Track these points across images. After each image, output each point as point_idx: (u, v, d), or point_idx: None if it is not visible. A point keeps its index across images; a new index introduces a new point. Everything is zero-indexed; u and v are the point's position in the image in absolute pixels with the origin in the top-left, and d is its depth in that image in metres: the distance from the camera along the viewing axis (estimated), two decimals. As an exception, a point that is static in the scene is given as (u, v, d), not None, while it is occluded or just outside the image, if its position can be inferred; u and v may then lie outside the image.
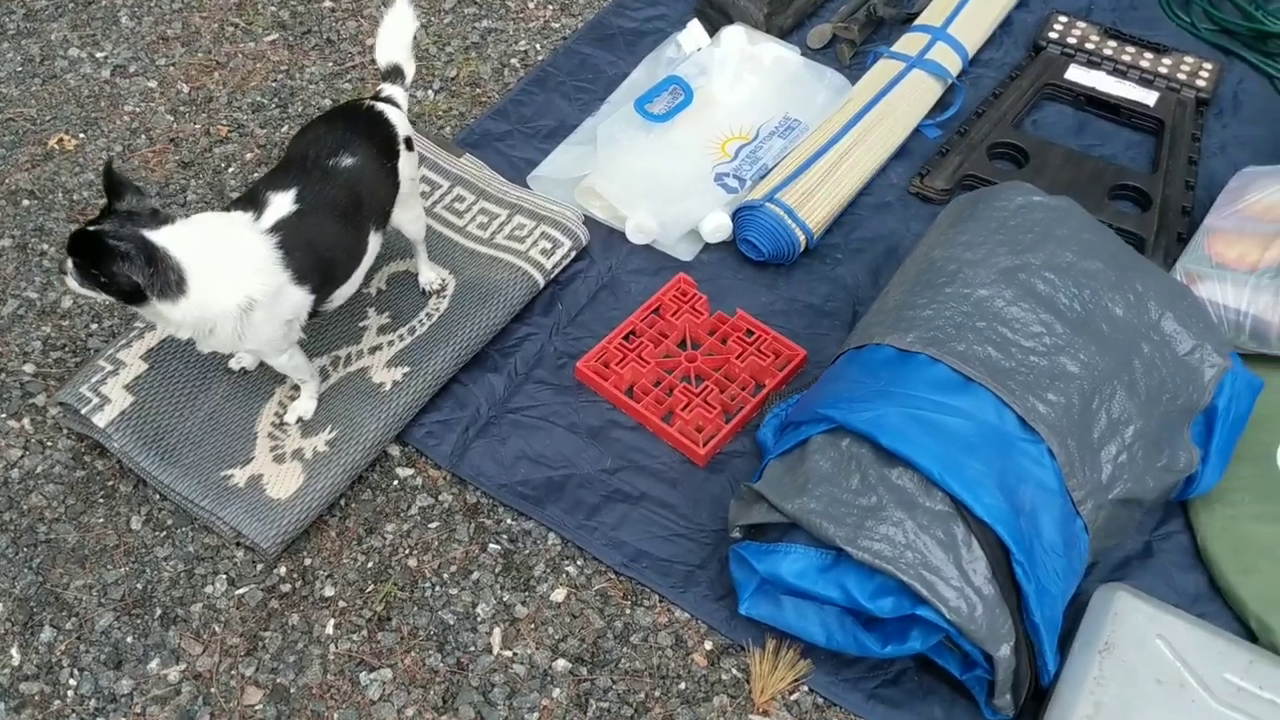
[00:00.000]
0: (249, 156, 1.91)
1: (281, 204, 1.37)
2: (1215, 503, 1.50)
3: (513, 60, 2.10)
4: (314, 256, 1.38)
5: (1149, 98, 2.00)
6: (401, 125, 1.51)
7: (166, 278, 1.27)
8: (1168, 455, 1.41)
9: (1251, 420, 1.55)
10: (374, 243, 1.48)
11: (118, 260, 1.24)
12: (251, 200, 1.38)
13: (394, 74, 1.58)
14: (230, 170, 1.89)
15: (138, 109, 1.98)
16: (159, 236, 1.29)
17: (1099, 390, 1.37)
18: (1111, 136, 2.00)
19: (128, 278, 1.25)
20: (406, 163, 1.51)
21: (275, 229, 1.35)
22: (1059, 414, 1.33)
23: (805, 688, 1.38)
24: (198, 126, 1.96)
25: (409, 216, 1.57)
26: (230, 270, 1.33)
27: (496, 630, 1.42)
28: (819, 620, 1.34)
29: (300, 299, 1.38)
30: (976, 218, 1.55)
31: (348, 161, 1.42)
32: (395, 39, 1.57)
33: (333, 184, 1.41)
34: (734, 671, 1.39)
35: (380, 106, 1.51)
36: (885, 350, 1.40)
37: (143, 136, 1.94)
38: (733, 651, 1.41)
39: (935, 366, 1.36)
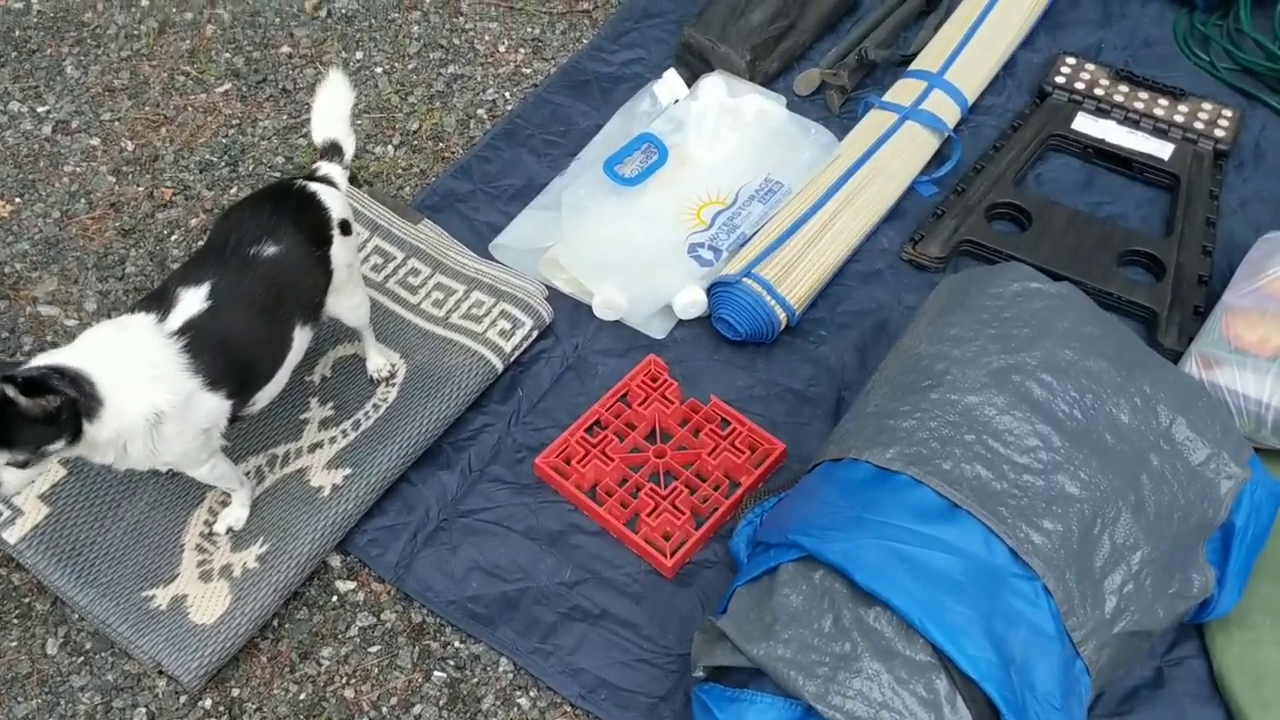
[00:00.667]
0: (194, 222, 1.78)
1: (192, 301, 1.24)
2: (1232, 625, 1.36)
3: (479, 111, 1.96)
4: (228, 358, 1.25)
5: (1163, 150, 1.85)
6: (337, 208, 1.38)
7: (87, 395, 1.15)
8: (1180, 581, 1.27)
9: (1275, 530, 1.41)
10: (301, 338, 1.35)
11: (51, 381, 1.11)
12: (158, 298, 1.25)
13: (331, 151, 1.45)
14: (173, 238, 1.77)
15: (78, 169, 1.86)
16: (59, 359, 1.16)
17: (1101, 513, 1.23)
18: (1122, 193, 1.85)
19: (66, 396, 1.12)
20: (342, 249, 1.38)
21: (183, 330, 1.23)
22: (1056, 544, 1.20)
23: (777, 840, 1.25)
24: (141, 189, 1.83)
25: (348, 305, 1.44)
26: (134, 381, 1.20)
27: (438, 772, 1.30)
28: (790, 773, 1.21)
29: (215, 406, 1.26)
30: (967, 306, 1.41)
31: (270, 250, 1.30)
32: (331, 112, 1.45)
33: (252, 276, 1.28)
34: (698, 821, 1.26)
35: (313, 188, 1.38)
36: (863, 468, 1.27)
37: (82, 200, 1.81)
38: (697, 797, 1.28)
39: (918, 490, 1.22)
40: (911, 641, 1.15)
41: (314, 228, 1.35)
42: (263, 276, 1.29)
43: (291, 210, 1.34)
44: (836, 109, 1.93)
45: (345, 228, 1.38)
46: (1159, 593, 1.25)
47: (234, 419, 1.30)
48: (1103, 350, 1.34)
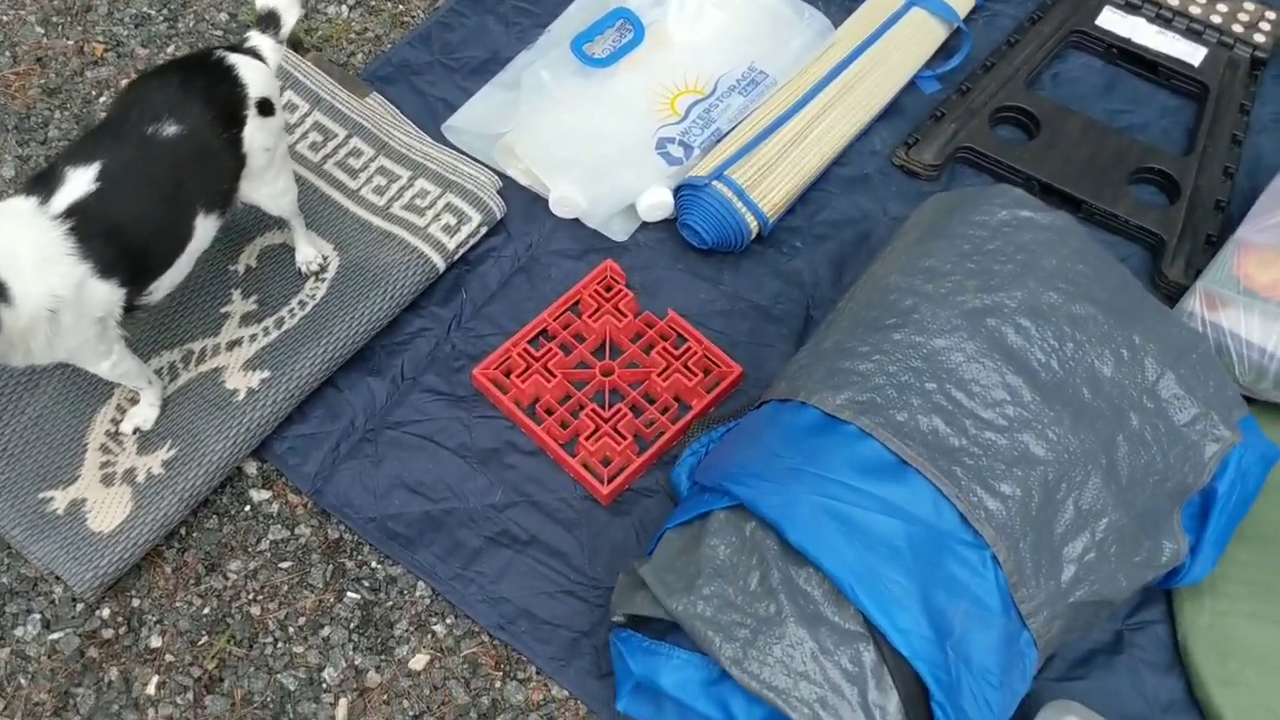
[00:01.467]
0: (124, 83, 1.64)
1: (79, 182, 1.12)
2: (1204, 593, 1.26)
3: (446, -30, 1.79)
4: (119, 244, 1.14)
5: (1195, 55, 1.66)
6: (257, 85, 1.24)
7: None
8: (1148, 549, 1.17)
9: (1264, 492, 1.30)
10: (206, 227, 1.23)
11: None
12: (45, 179, 1.13)
13: (268, 20, 1.31)
14: (102, 100, 1.63)
15: (4, 17, 1.71)
16: None
17: (1068, 476, 1.12)
18: (1146, 100, 1.68)
19: None
20: (260, 131, 1.24)
21: (69, 214, 1.11)
22: (1013, 510, 1.09)
23: (692, 794, 1.18)
24: (70, 42, 1.69)
25: (269, 193, 1.31)
26: (24, 267, 1.09)
27: (343, 702, 1.23)
28: (705, 731, 1.14)
29: (107, 294, 1.15)
30: (948, 234, 1.27)
31: (172, 130, 1.17)
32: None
33: (149, 157, 1.16)
34: (611, 768, 1.20)
35: (232, 60, 1.24)
36: (810, 413, 1.15)
37: (6, 54, 1.67)
38: (613, 743, 1.22)
39: (866, 442, 1.11)
40: (841, 608, 1.05)
41: (226, 106, 1.21)
42: (161, 158, 1.16)
43: (202, 85, 1.21)
44: (839, -13, 1.75)
45: (265, 108, 1.25)
46: (1124, 561, 1.15)
47: (131, 308, 1.19)
48: (1093, 293, 1.21)
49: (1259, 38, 1.68)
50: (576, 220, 1.53)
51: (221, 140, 1.20)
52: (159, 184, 1.16)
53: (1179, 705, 1.24)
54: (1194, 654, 1.24)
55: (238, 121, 1.22)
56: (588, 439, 1.34)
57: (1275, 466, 1.28)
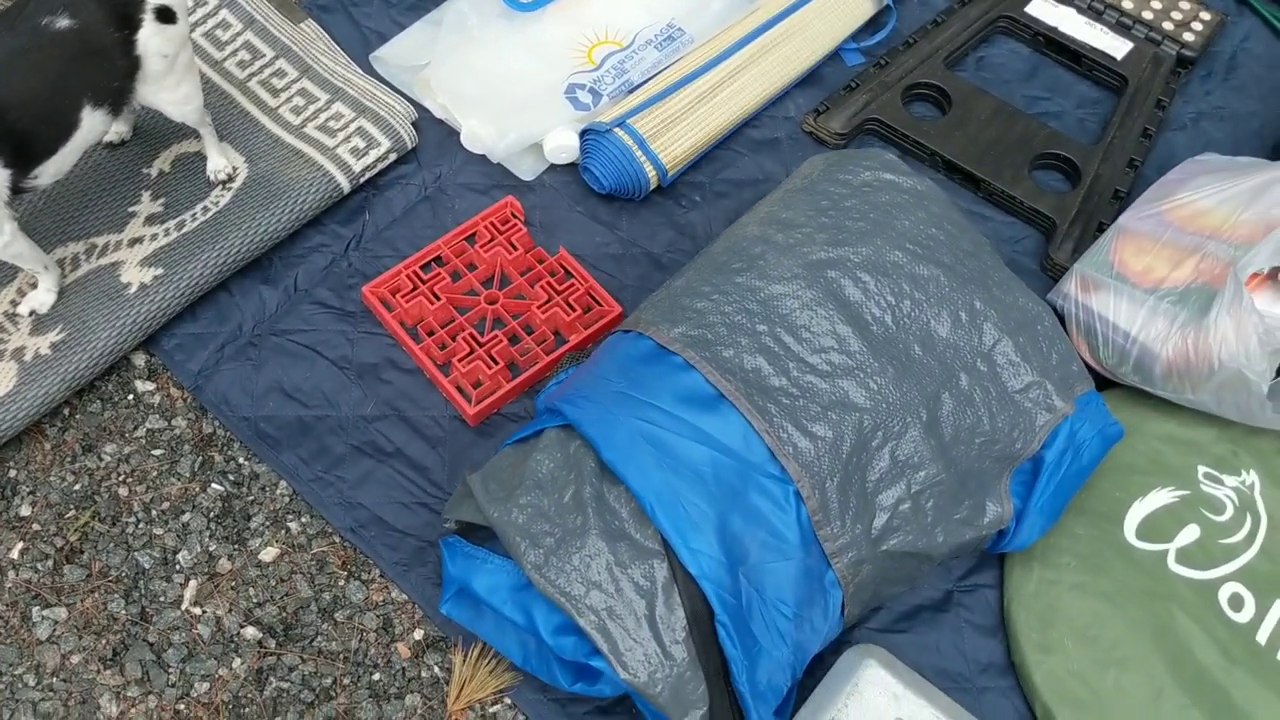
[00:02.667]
0: None
1: None
2: (1035, 561, 1.29)
3: (402, -89, 1.84)
4: (3, 127, 1.20)
5: (1119, 48, 1.68)
6: (158, -10, 1.30)
7: None
8: (969, 508, 1.20)
9: (1108, 470, 1.33)
10: (94, 121, 1.28)
11: None
12: None
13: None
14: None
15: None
16: None
17: (885, 426, 1.15)
18: (1066, 89, 1.70)
19: None
20: (156, 37, 1.29)
21: None
22: (822, 451, 1.12)
23: (507, 700, 1.23)
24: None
25: (169, 99, 1.37)
26: None
27: (192, 583, 1.29)
28: (517, 638, 1.18)
29: None
30: (812, 190, 1.30)
31: (64, 23, 1.22)
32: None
33: (38, 46, 1.21)
34: (436, 670, 1.25)
35: (131, -35, 1.29)
36: (645, 343, 1.19)
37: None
38: (442, 647, 1.26)
39: (689, 374, 1.15)
40: (644, 527, 1.10)
41: (120, 8, 1.26)
42: (50, 49, 1.22)
43: (96, -15, 1.26)
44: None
45: (165, 15, 1.30)
46: (942, 516, 1.18)
47: (18, 190, 1.25)
48: (939, 257, 1.24)
49: (1188, 36, 1.69)
50: (487, 158, 1.57)
51: (112, 39, 1.26)
52: (46, 73, 1.22)
53: (997, 667, 1.27)
54: (1016, 619, 1.27)
55: (131, 24, 1.27)
56: (461, 361, 1.39)
57: (1118, 445, 1.32)
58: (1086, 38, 1.69)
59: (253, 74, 1.59)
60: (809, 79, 1.67)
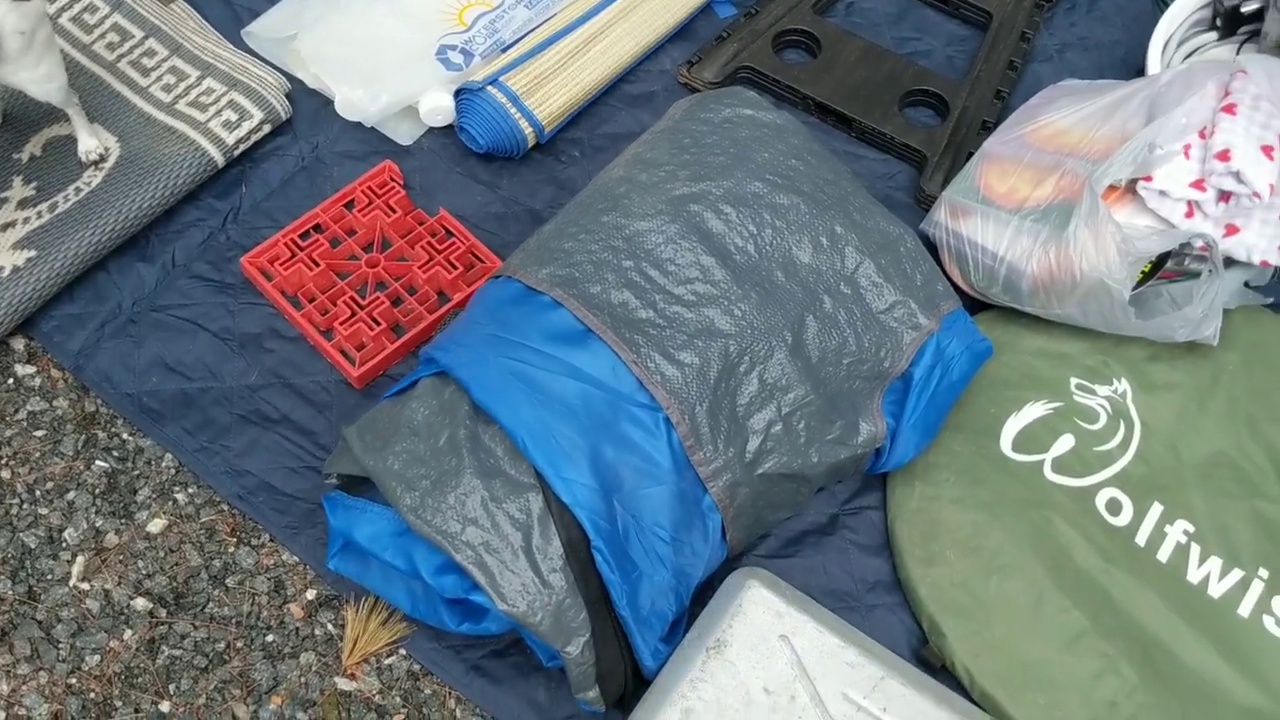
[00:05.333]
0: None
1: None
2: (916, 479, 1.32)
3: (272, -110, 1.83)
4: None
5: (984, -14, 1.72)
6: (11, -32, 1.29)
7: None
8: (842, 427, 1.22)
9: (983, 387, 1.36)
10: None
11: None
12: None
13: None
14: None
15: None
16: None
17: (751, 350, 1.17)
18: (934, 29, 1.73)
19: None
20: (13, 15, 1.27)
21: None
22: (690, 377, 1.14)
23: (402, 651, 1.24)
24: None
25: (29, 78, 1.36)
26: None
27: (80, 559, 1.28)
28: (404, 586, 1.19)
29: None
30: (675, 130, 1.32)
31: None
32: None
33: None
34: (329, 627, 1.25)
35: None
36: (514, 285, 1.21)
37: None
38: (335, 605, 1.27)
39: (557, 311, 1.17)
40: (518, 463, 1.11)
41: (-29, -15, 1.26)
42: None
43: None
44: (650, -84, 1.79)
45: (14, -9, 1.29)
46: (815, 437, 1.21)
47: None
48: (799, 186, 1.26)
49: (1050, -28, 1.74)
50: (363, 125, 1.57)
51: None
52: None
53: (884, 585, 1.29)
54: (900, 536, 1.30)
55: (-15, 1, 1.27)
56: (343, 324, 1.40)
57: (992, 363, 1.35)
58: (951, -23, 1.72)
59: (122, 55, 1.58)
60: (682, 32, 1.69)
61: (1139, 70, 1.63)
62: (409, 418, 1.16)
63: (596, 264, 1.19)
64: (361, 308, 1.41)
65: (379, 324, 1.40)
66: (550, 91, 1.54)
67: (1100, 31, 1.73)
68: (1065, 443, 1.33)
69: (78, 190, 1.45)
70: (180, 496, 1.32)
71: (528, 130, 1.52)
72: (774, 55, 1.65)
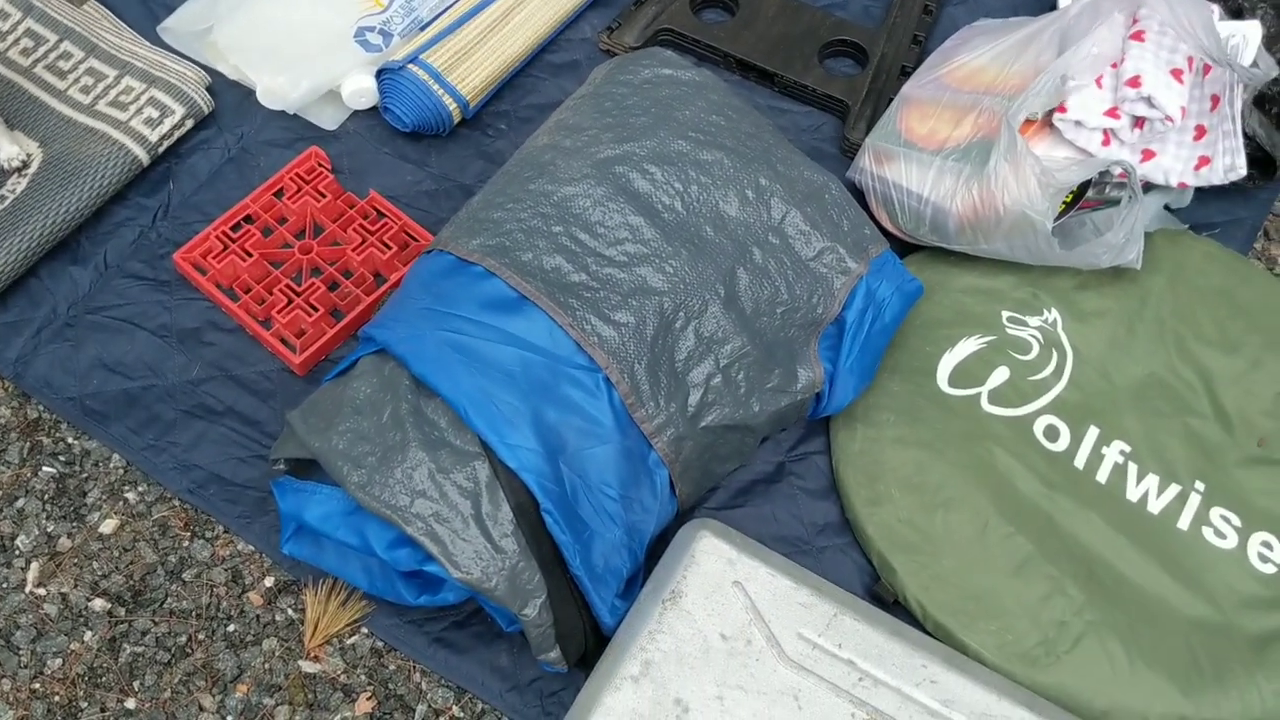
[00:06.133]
0: None
1: None
2: (857, 422, 1.34)
3: (178, -116, 1.81)
4: None
5: (895, -67, 1.73)
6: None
7: None
8: (780, 375, 1.24)
9: (917, 328, 1.39)
10: None
11: None
12: None
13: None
14: None
15: None
16: None
17: (685, 306, 1.19)
18: (850, -20, 1.75)
19: None
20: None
21: None
22: (626, 336, 1.16)
23: (365, 630, 1.25)
24: None
25: (-59, 89, 1.35)
26: None
27: (34, 565, 1.28)
28: (360, 564, 1.20)
29: None
30: (596, 94, 1.33)
31: None
32: None
33: None
34: (290, 612, 1.26)
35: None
36: (446, 258, 1.21)
37: None
38: (294, 590, 1.27)
39: (490, 281, 1.17)
40: (462, 433, 1.12)
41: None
42: None
43: None
44: (562, -114, 1.79)
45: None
46: (755, 387, 1.23)
47: None
48: (722, 141, 1.28)
49: (958, -84, 1.75)
50: (286, 113, 1.57)
51: None
52: None
53: (833, 527, 1.32)
54: (845, 478, 1.32)
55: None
56: (281, 313, 1.40)
57: (924, 302, 1.38)
58: (863, -73, 1.74)
59: (37, 60, 1.56)
60: (600, 0, 1.69)
61: (1051, 6, 1.66)
62: (351, 397, 1.16)
63: (527, 231, 1.20)
64: (298, 294, 1.41)
65: (317, 309, 1.40)
66: (472, 66, 1.54)
67: (1013, -30, 1.76)
68: (1000, 375, 1.36)
69: (1, 199, 1.44)
70: (131, 495, 1.32)
71: (452, 106, 1.52)
72: (693, 15, 1.66)
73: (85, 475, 1.33)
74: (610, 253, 1.20)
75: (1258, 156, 1.50)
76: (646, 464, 1.18)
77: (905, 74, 1.59)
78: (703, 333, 1.20)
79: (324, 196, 1.49)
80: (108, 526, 1.30)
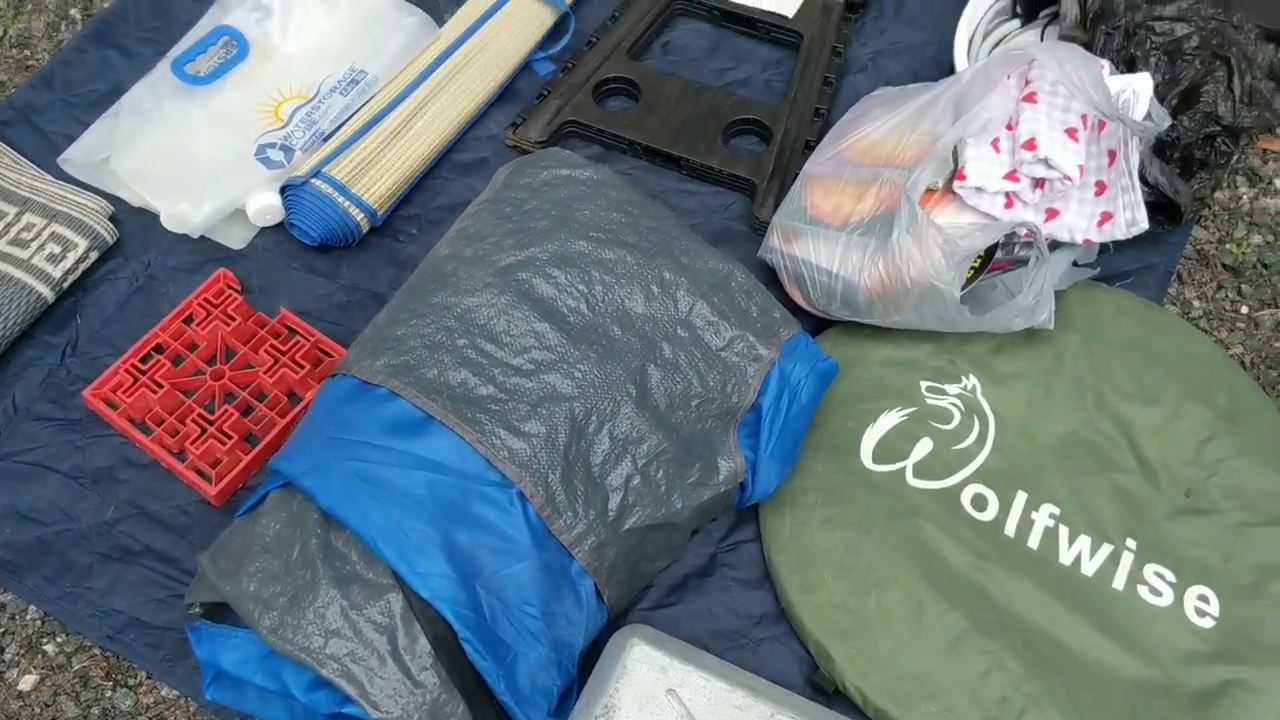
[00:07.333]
0: None
1: None
2: (785, 506, 1.33)
3: (73, 10, 1.81)
4: None
5: (789, 6, 1.75)
6: None
7: None
8: (701, 469, 1.23)
9: (838, 404, 1.38)
10: None
11: None
12: None
13: None
14: None
15: None
16: None
17: (597, 409, 1.18)
18: (749, 56, 1.76)
19: None
20: None
21: None
22: (538, 446, 1.14)
23: (297, 769, 1.21)
24: None
25: None
26: None
27: (-50, 731, 1.24)
28: (283, 705, 1.16)
29: None
30: (495, 200, 1.33)
31: None
32: None
33: None
34: (219, 756, 1.23)
35: None
36: (348, 382, 1.20)
37: None
38: (221, 732, 1.24)
39: (394, 402, 1.16)
40: (373, 565, 1.09)
41: None
42: None
43: None
44: (458, -18, 1.80)
45: None
46: (676, 483, 1.21)
47: None
48: (623, 238, 1.27)
49: (852, -16, 1.77)
50: (192, 236, 1.55)
51: None
52: None
53: (770, 617, 1.30)
54: (777, 565, 1.30)
55: None
56: (194, 444, 1.37)
57: (842, 378, 1.37)
58: (757, 2, 1.75)
59: (-67, 204, 1.54)
60: (505, 95, 1.70)
61: (950, 70, 1.68)
62: (260, 535, 1.14)
63: (431, 347, 1.18)
64: (211, 424, 1.39)
65: (231, 437, 1.38)
66: (377, 174, 1.53)
67: (909, 34, 1.78)
68: (924, 447, 1.35)
69: (-99, 349, 1.41)
70: (49, 648, 1.29)
71: (359, 216, 1.51)
72: (596, 106, 1.66)
73: (1, 630, 1.29)
74: (517, 362, 1.18)
75: (1163, 203, 1.52)
76: (569, 575, 1.15)
77: (810, 148, 1.60)
78: (617, 434, 1.18)
79: (234, 319, 1.47)
80: (27, 683, 1.26)
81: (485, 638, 1.08)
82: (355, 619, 1.07)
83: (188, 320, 1.48)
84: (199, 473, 1.37)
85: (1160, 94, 1.53)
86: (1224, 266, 1.59)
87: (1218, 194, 1.66)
